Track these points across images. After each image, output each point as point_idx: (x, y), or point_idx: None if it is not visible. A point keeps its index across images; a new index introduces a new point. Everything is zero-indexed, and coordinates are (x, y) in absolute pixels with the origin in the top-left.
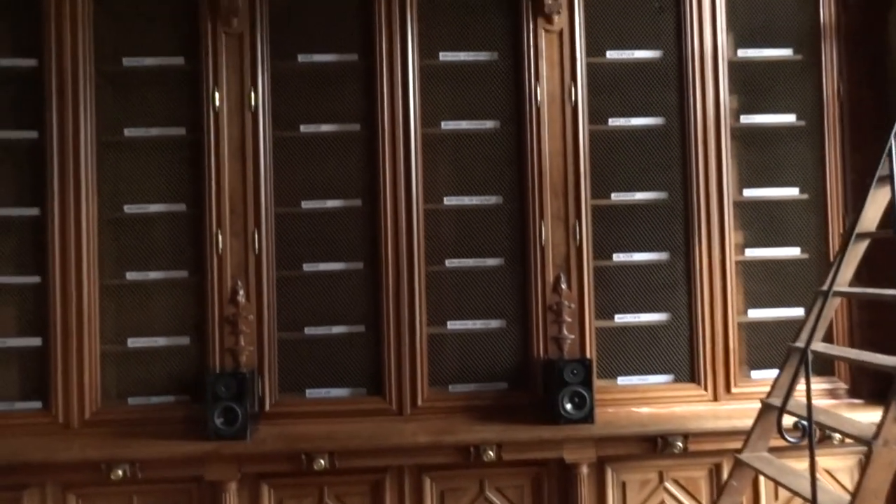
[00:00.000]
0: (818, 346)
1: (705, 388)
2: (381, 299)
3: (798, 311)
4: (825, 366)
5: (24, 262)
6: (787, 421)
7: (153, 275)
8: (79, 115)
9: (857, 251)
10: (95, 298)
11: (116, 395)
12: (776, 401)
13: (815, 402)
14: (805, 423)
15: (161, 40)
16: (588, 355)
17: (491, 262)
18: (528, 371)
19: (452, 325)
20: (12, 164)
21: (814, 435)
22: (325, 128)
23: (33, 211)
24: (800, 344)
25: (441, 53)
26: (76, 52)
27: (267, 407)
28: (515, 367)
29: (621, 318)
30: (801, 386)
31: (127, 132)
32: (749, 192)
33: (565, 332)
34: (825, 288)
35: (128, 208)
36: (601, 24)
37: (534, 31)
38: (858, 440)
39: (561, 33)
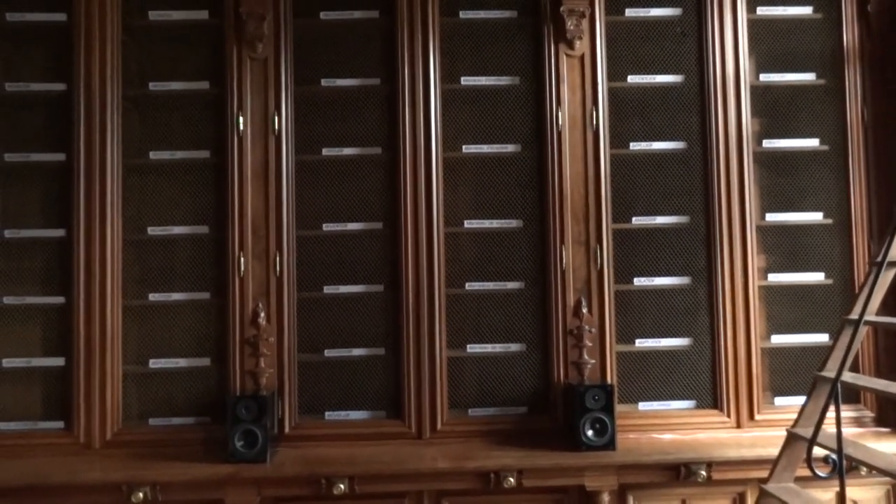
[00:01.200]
0: (847, 376)
1: (728, 415)
2: (401, 322)
3: (822, 337)
4: (851, 393)
5: (50, 283)
6: (816, 451)
7: (175, 296)
8: (106, 138)
9: (886, 279)
10: (118, 319)
11: (137, 415)
12: (803, 431)
13: (843, 431)
14: (835, 456)
15: (187, 65)
16: (609, 380)
17: (511, 285)
18: (548, 396)
19: (472, 348)
20: (40, 186)
21: (844, 470)
22: (347, 151)
23: (59, 232)
24: (828, 374)
25: (463, 78)
26: (104, 77)
27: (286, 429)
28: (535, 392)
29: (642, 343)
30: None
31: (152, 155)
32: (772, 217)
33: (586, 356)
34: (855, 317)
35: (151, 230)
36: (623, 49)
37: (555, 56)
38: (891, 475)
39: (582, 58)
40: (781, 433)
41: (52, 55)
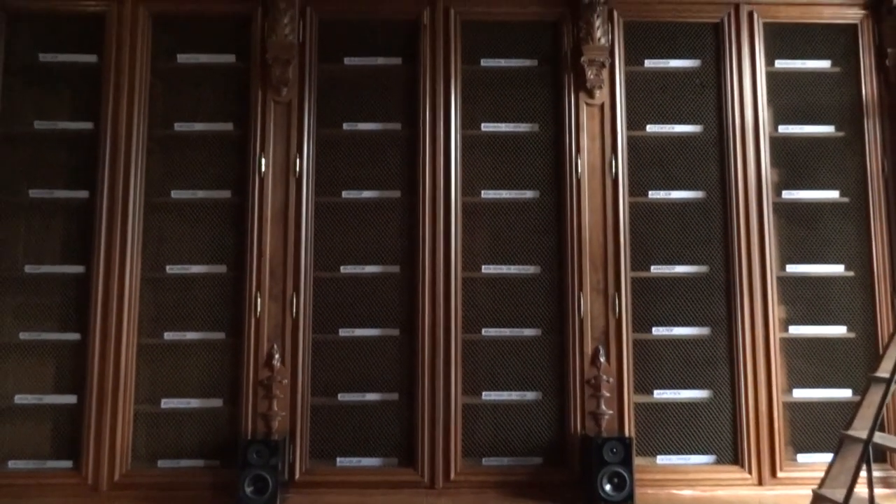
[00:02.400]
0: (877, 436)
1: (749, 472)
2: (417, 367)
3: (845, 393)
4: (877, 453)
5: (66, 319)
6: None
7: (190, 335)
8: (129, 176)
9: None
10: (133, 358)
11: (146, 456)
12: (830, 492)
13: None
14: None
15: (212, 107)
16: (627, 432)
17: (528, 332)
18: (564, 447)
19: (487, 395)
20: (62, 222)
21: None
22: (367, 194)
23: (78, 269)
24: (856, 433)
25: (483, 124)
26: (131, 117)
27: (297, 475)
28: (551, 442)
29: (661, 394)
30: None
31: (174, 194)
32: (792, 268)
33: (603, 407)
34: (885, 375)
35: (169, 268)
36: (642, 99)
37: (575, 104)
38: None
39: (602, 107)
40: (805, 492)
41: (81, 95)
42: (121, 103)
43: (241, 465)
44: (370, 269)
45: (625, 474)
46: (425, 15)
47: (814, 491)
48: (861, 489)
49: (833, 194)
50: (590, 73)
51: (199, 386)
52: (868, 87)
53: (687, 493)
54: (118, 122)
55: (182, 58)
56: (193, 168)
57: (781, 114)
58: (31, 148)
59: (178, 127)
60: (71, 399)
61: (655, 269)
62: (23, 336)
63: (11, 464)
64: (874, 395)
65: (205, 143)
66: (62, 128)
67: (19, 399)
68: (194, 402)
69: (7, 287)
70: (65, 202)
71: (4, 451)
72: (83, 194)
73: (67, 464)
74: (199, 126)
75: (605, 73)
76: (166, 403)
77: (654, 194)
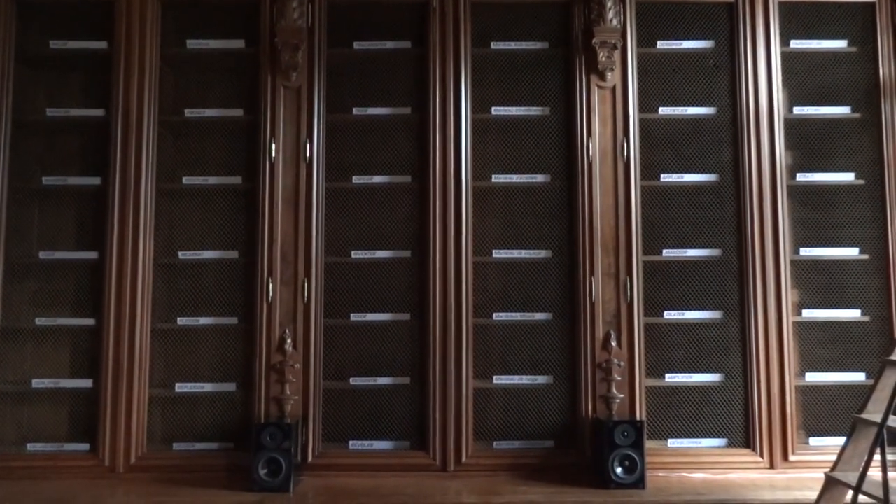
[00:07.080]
0: (892, 420)
1: (761, 455)
2: (428, 351)
3: (858, 376)
4: (891, 436)
5: (81, 305)
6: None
7: (203, 320)
8: (141, 162)
9: None
10: (147, 342)
11: (161, 439)
12: (843, 475)
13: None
14: None
15: (222, 93)
16: (638, 416)
17: (539, 316)
18: (575, 430)
19: (498, 379)
20: (75, 208)
21: None
22: (377, 179)
23: (92, 254)
24: (869, 416)
25: (493, 107)
26: (141, 103)
27: (310, 458)
28: (562, 426)
29: (672, 378)
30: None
31: (185, 180)
32: (806, 252)
33: (615, 390)
34: None
35: (182, 254)
36: (654, 81)
37: (586, 87)
38: None
39: (614, 89)
40: (817, 475)
41: (92, 82)
42: (131, 90)
43: (255, 448)
44: (381, 254)
45: (636, 457)
46: None
47: (826, 474)
48: (874, 473)
49: (848, 177)
50: (601, 56)
51: (213, 370)
52: (886, 67)
53: (698, 475)
54: (129, 109)
55: (191, 44)
56: (204, 154)
57: (796, 95)
58: (43, 135)
59: (189, 113)
60: (87, 383)
61: (667, 253)
62: (39, 322)
63: (30, 446)
64: (888, 378)
65: (215, 128)
66: (74, 115)
67: (36, 383)
68: (208, 387)
69: (22, 273)
70: (77, 189)
71: (23, 435)
72: (96, 181)
73: (84, 447)
74: (209, 112)
75: (616, 55)
76: (180, 388)
77: (666, 177)
